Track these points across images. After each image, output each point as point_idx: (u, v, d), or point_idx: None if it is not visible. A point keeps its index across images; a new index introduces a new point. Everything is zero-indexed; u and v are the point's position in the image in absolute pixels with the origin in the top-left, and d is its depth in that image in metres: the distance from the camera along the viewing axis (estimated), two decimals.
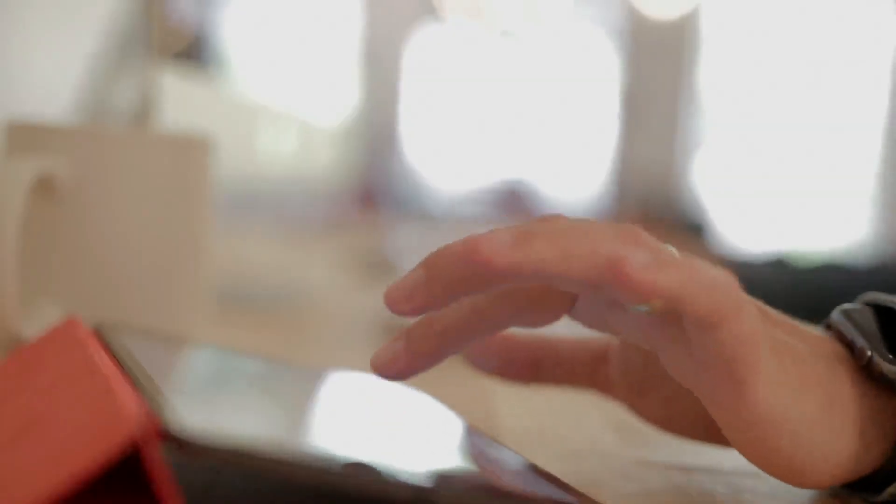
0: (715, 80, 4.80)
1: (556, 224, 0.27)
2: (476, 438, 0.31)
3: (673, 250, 0.28)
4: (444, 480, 0.23)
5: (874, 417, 0.30)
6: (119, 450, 0.20)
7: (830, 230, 4.64)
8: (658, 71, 4.81)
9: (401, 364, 0.30)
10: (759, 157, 4.81)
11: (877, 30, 4.59)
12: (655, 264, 0.26)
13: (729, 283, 0.27)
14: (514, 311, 0.30)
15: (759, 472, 0.35)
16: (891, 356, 0.30)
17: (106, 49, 0.57)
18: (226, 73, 0.58)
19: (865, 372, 0.31)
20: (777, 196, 4.76)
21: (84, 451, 0.20)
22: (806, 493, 0.33)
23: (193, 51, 0.53)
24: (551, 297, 0.31)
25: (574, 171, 5.22)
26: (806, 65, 4.71)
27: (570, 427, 0.40)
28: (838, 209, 4.68)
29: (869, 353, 0.31)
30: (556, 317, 0.31)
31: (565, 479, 0.32)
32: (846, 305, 0.33)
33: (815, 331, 0.32)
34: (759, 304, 0.32)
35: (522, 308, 0.30)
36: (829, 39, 4.68)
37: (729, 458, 0.37)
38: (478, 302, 0.30)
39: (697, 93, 4.80)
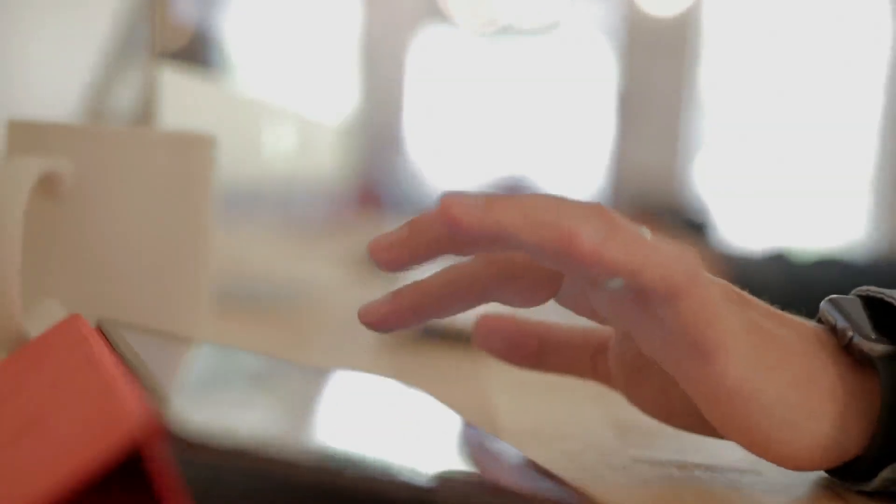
0: (715, 77, 4.81)
1: (530, 196, 0.28)
2: (475, 437, 0.32)
3: (644, 230, 0.30)
4: (445, 480, 0.23)
5: (854, 399, 0.31)
6: (120, 448, 0.20)
7: (829, 228, 4.66)
8: (658, 69, 4.81)
9: (383, 313, 0.32)
10: (758, 156, 4.82)
11: (873, 29, 4.60)
12: (607, 239, 0.27)
13: (686, 259, 0.29)
14: (498, 283, 0.32)
15: (758, 468, 0.35)
16: (873, 336, 0.31)
17: (107, 48, 0.57)
18: (228, 72, 0.58)
19: (847, 354, 0.32)
20: (776, 194, 4.78)
21: (85, 449, 0.20)
22: (801, 488, 0.33)
23: (195, 49, 0.53)
24: (536, 275, 0.32)
25: (574, 169, 5.22)
26: (804, 64, 4.73)
27: (569, 426, 0.40)
28: (837, 207, 4.70)
29: (850, 333, 0.31)
30: (542, 297, 0.32)
31: (564, 477, 0.32)
32: (835, 296, 0.34)
33: (800, 319, 0.33)
34: (735, 288, 0.33)
35: (506, 281, 0.31)
36: (827, 39, 4.69)
37: (727, 455, 0.37)
38: (464, 268, 0.32)
39: (697, 90, 4.80)
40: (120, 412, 0.21)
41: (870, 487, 0.31)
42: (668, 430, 0.40)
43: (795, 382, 0.31)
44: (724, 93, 4.82)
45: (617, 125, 4.79)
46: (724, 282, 0.33)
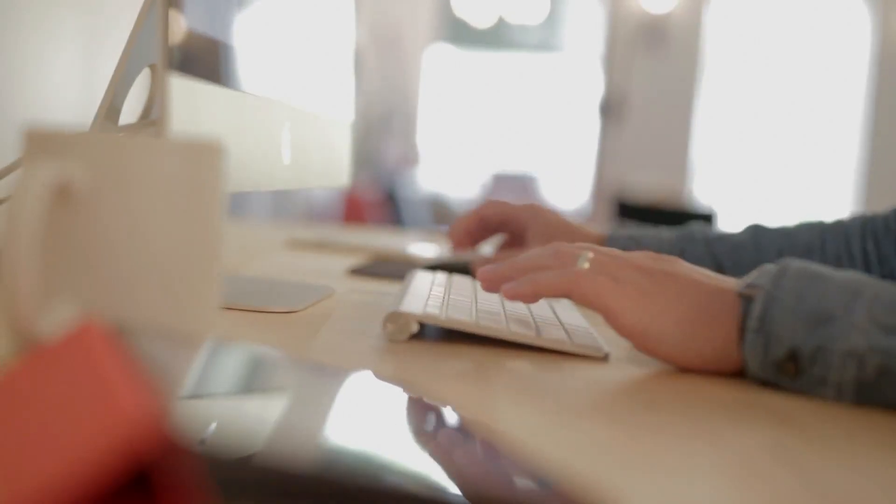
0: (713, 74, 4.80)
1: (525, 263, 0.57)
2: (477, 439, 0.32)
3: (584, 257, 0.54)
4: (446, 483, 0.24)
5: (725, 327, 0.51)
6: (117, 453, 0.20)
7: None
8: (656, 65, 4.79)
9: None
10: (752, 154, 4.88)
11: (852, 32, 4.67)
12: (537, 282, 0.54)
13: (568, 272, 0.53)
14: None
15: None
16: (744, 285, 0.51)
17: (120, 55, 0.58)
18: (237, 78, 0.59)
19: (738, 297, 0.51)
20: (768, 191, 4.86)
21: (82, 453, 0.21)
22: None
23: (205, 55, 0.54)
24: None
25: (573, 167, 5.22)
26: (794, 67, 4.78)
27: (568, 422, 0.41)
28: (825, 202, 4.80)
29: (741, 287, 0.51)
30: None
31: (563, 475, 0.33)
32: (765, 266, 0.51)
33: (718, 282, 0.53)
34: (637, 260, 0.54)
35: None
36: (812, 44, 4.75)
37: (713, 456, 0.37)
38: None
39: (697, 88, 4.80)
40: (119, 417, 0.21)
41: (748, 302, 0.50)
42: (669, 429, 0.41)
43: (674, 321, 0.51)
44: (723, 91, 4.83)
45: (603, 123, 4.78)
46: (617, 266, 0.54)
